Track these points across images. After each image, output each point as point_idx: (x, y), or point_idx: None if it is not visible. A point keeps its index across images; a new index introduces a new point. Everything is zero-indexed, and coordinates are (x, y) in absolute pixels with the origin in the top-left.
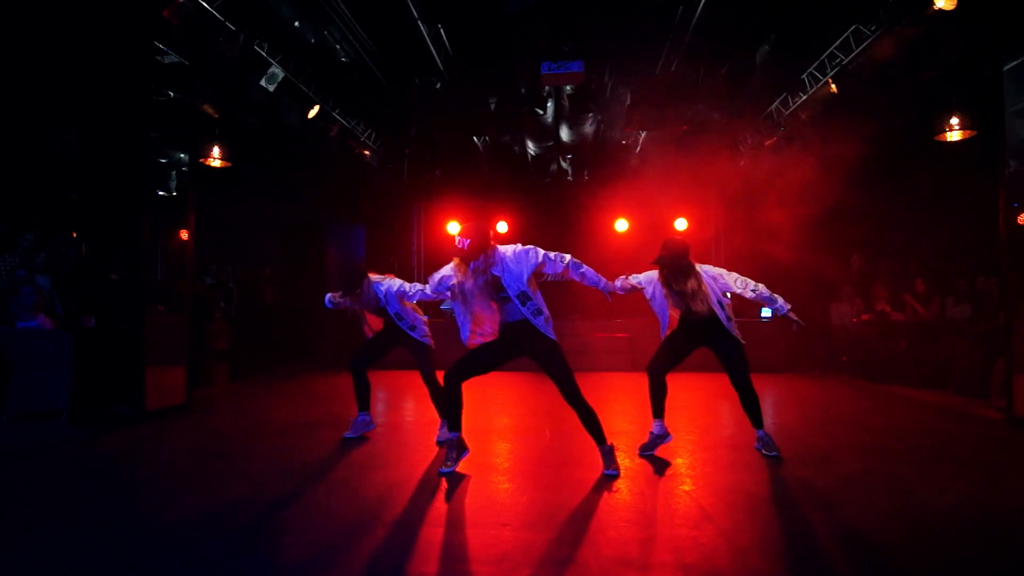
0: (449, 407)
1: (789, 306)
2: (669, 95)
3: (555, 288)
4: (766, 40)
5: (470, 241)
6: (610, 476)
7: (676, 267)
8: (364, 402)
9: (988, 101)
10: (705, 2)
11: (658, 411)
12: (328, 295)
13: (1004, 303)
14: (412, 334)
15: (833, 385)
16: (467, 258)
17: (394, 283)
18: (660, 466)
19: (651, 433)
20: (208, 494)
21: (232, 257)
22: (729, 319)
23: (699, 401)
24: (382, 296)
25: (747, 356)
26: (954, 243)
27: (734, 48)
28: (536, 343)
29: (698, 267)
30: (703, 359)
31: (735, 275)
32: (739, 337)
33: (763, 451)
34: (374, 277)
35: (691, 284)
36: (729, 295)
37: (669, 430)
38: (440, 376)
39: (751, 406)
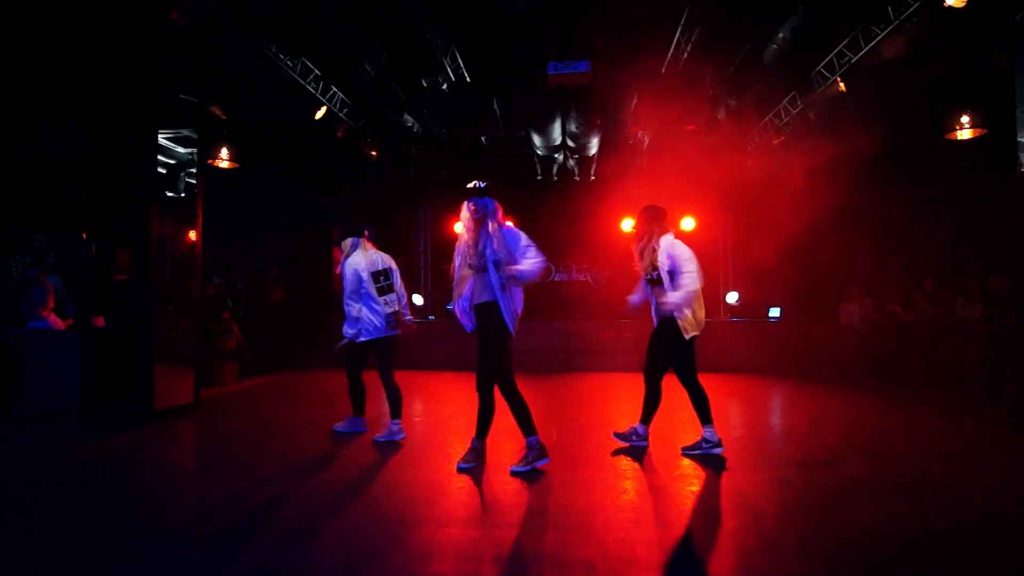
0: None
1: (678, 313)
2: (676, 94)
3: (559, 288)
4: (774, 39)
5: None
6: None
7: (643, 227)
8: (359, 407)
9: (999, 99)
10: (712, 1)
11: (704, 418)
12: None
13: (1016, 303)
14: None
15: (841, 386)
16: (480, 217)
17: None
18: (668, 467)
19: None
20: (216, 493)
21: (240, 258)
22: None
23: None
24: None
25: (667, 353)
26: (965, 242)
27: (741, 47)
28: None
29: (666, 239)
30: (705, 358)
31: (689, 262)
32: (679, 326)
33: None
34: (369, 246)
35: (643, 242)
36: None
37: (715, 435)
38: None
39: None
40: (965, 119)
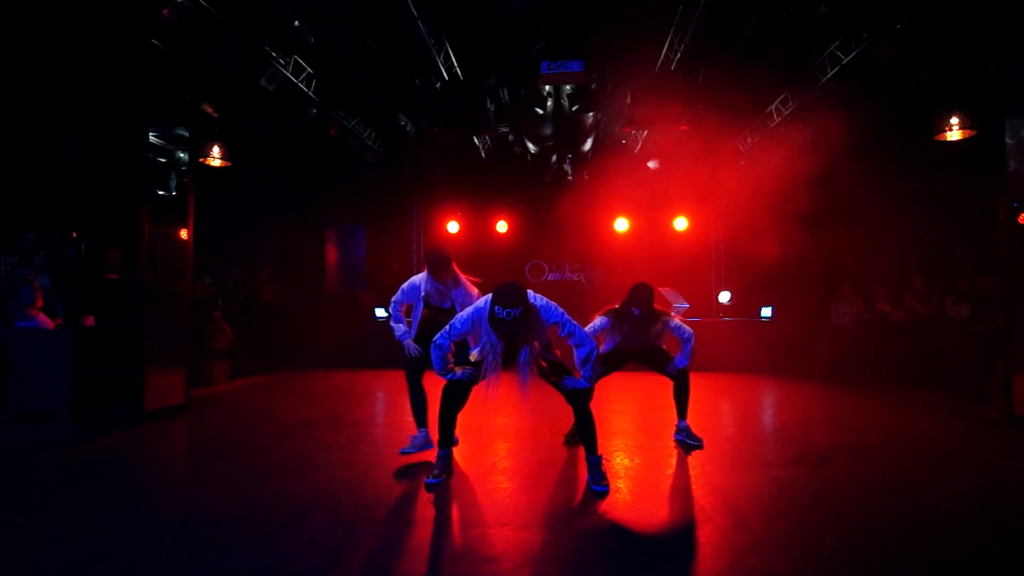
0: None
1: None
2: (669, 94)
3: (552, 288)
4: (766, 39)
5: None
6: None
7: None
8: (421, 417)
9: (988, 100)
10: (705, 1)
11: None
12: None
13: (1004, 303)
14: None
15: (833, 385)
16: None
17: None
18: (660, 466)
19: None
20: (207, 494)
21: (232, 256)
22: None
23: (697, 401)
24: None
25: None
26: (954, 242)
27: (734, 47)
28: None
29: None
30: (698, 357)
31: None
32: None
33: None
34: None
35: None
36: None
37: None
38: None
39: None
40: (955, 120)
